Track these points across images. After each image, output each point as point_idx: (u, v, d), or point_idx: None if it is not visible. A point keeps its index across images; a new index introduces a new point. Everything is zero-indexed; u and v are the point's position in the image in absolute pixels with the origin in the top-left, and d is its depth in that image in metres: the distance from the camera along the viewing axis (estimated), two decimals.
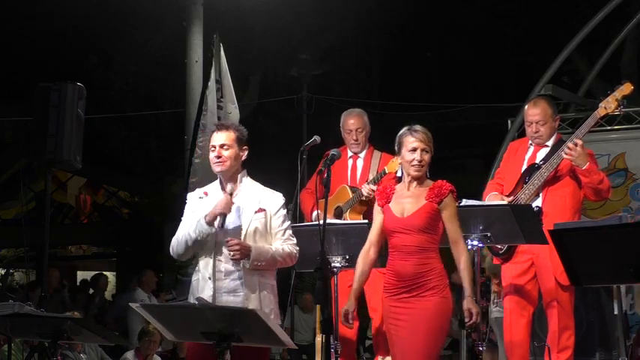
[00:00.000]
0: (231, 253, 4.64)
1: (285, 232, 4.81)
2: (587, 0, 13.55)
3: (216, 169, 4.81)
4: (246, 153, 4.89)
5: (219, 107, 8.08)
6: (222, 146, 4.81)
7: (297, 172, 5.61)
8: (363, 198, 6.03)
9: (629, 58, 14.35)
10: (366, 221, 5.55)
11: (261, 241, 4.75)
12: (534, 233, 5.10)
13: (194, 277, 4.85)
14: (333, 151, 5.03)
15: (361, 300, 6.26)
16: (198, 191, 4.93)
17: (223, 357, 4.04)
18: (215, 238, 4.73)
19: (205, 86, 8.27)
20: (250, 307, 4.51)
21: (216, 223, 4.69)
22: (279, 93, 15.85)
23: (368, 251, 4.78)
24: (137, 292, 10.43)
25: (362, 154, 6.34)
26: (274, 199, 4.85)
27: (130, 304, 4.69)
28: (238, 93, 9.17)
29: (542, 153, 5.59)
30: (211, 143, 4.89)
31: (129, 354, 8.35)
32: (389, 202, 4.69)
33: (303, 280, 11.02)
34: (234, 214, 4.76)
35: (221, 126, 4.95)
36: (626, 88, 5.43)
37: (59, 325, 4.83)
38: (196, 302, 4.25)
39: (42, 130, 6.07)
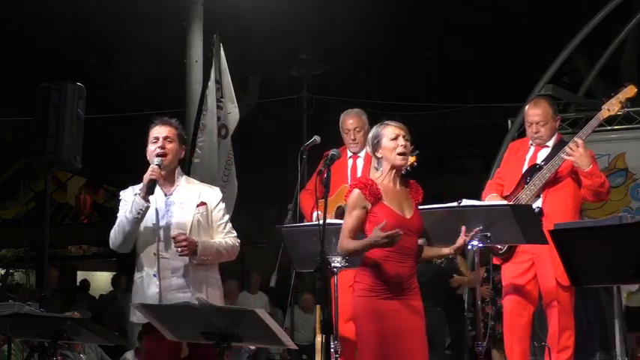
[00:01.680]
0: (179, 249, 4.65)
1: (225, 225, 4.88)
2: (587, 0, 13.55)
3: (156, 161, 4.78)
4: (183, 153, 4.95)
5: (219, 107, 8.08)
6: (165, 138, 4.82)
7: (297, 172, 5.61)
8: None
9: (629, 59, 14.35)
10: None
11: (204, 235, 4.79)
12: (534, 233, 5.09)
13: (137, 276, 4.85)
14: (332, 151, 5.02)
15: None
16: (134, 188, 4.89)
17: (223, 357, 4.04)
18: (157, 235, 4.76)
19: (205, 86, 8.27)
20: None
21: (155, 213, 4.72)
22: (279, 93, 15.83)
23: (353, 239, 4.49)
24: None
25: (361, 154, 6.33)
26: (213, 193, 4.92)
27: (130, 304, 4.70)
28: (238, 93, 9.17)
29: (543, 153, 5.58)
30: (153, 135, 4.87)
31: (129, 354, 8.36)
32: (380, 199, 4.45)
33: (303, 280, 11.01)
34: (177, 209, 4.79)
35: (164, 120, 4.94)
36: (630, 91, 5.41)
37: (59, 325, 4.83)
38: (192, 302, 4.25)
39: (42, 130, 6.06)
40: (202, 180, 7.62)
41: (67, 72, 9.16)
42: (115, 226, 4.83)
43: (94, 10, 14.17)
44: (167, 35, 13.95)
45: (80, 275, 18.58)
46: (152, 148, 4.84)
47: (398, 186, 4.53)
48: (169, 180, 4.86)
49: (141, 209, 4.70)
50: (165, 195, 4.85)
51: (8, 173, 17.59)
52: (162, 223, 4.78)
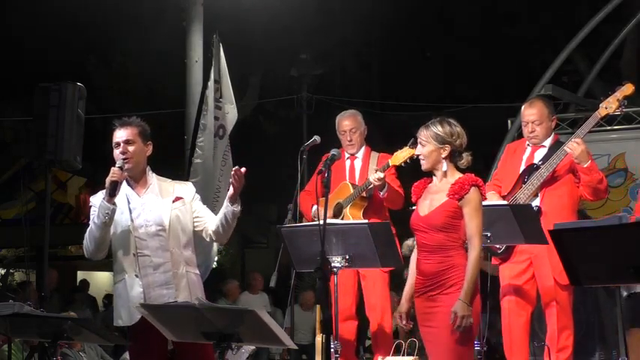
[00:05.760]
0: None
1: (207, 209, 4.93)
2: (587, 0, 13.56)
3: (119, 163, 4.77)
4: (150, 148, 4.89)
5: (218, 107, 8.08)
6: (126, 142, 4.80)
7: (297, 172, 5.61)
8: (370, 186, 6.02)
9: (629, 59, 14.36)
10: (366, 222, 5.53)
11: (181, 230, 4.79)
12: (534, 233, 5.09)
13: (118, 279, 4.84)
14: (333, 151, 5.02)
15: (361, 300, 6.28)
16: (103, 192, 4.84)
17: (223, 357, 4.05)
18: (134, 235, 4.74)
19: (205, 86, 8.27)
20: (181, 297, 4.59)
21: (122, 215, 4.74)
22: (279, 93, 15.84)
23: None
24: None
25: (359, 154, 6.34)
26: (187, 187, 4.95)
27: (136, 306, 4.69)
28: (238, 93, 9.17)
29: (540, 153, 5.60)
30: (114, 140, 4.84)
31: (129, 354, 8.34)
32: (419, 198, 4.57)
33: (303, 280, 11.02)
34: (152, 207, 4.78)
35: (122, 122, 4.89)
36: (628, 89, 5.43)
37: (59, 325, 4.83)
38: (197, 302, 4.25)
39: (42, 130, 6.07)
40: (203, 179, 7.67)
41: (67, 72, 9.15)
42: (86, 235, 4.81)
43: (94, 10, 14.17)
44: (167, 35, 13.95)
45: (80, 275, 18.57)
46: (116, 153, 4.82)
47: (440, 183, 4.52)
48: (141, 180, 4.86)
49: (107, 212, 4.67)
50: (139, 195, 4.83)
51: (8, 173, 17.59)
52: (138, 222, 4.76)
